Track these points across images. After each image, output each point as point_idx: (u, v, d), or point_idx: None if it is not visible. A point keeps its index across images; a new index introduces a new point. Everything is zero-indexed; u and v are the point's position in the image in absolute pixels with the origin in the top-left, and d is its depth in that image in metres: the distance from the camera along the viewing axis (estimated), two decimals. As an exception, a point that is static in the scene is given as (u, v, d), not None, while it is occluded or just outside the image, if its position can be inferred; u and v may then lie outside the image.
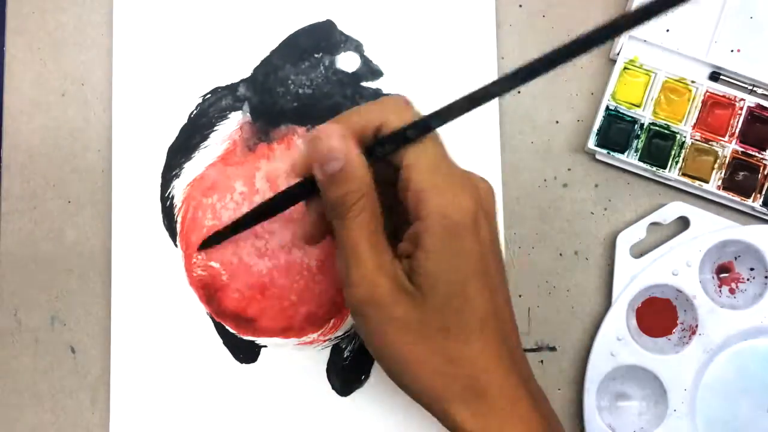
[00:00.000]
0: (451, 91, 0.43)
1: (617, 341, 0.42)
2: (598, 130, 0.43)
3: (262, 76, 0.44)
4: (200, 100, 0.43)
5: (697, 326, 0.42)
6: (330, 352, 0.43)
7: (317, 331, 0.43)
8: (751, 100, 0.42)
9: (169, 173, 0.43)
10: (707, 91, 0.43)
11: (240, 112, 0.43)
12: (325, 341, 0.43)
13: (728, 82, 0.43)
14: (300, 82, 0.44)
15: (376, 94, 0.43)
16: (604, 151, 0.43)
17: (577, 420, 0.43)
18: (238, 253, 0.43)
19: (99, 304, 0.43)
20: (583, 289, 0.44)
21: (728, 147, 0.42)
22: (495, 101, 0.43)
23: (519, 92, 0.44)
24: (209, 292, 0.43)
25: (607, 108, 0.43)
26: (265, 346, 0.43)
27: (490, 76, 0.43)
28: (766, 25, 0.42)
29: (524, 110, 0.44)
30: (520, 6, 0.45)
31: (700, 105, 0.43)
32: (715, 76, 0.43)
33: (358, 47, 0.44)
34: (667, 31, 0.43)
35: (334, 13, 0.44)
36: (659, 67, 0.43)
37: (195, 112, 0.43)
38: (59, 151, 0.44)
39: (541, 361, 0.43)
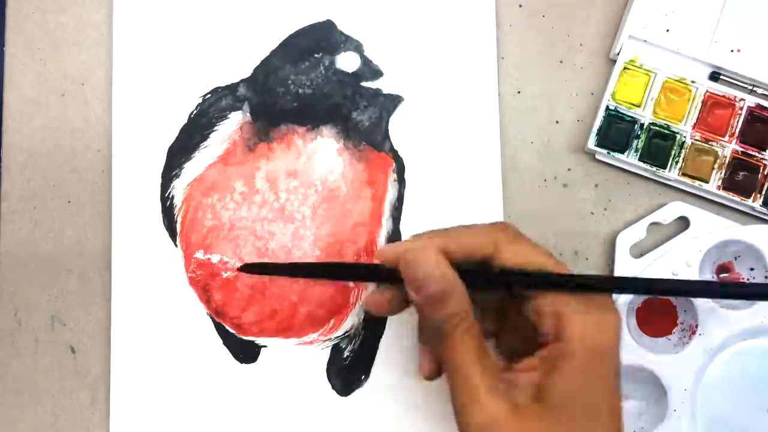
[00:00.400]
0: (451, 91, 0.44)
1: (617, 341, 0.42)
2: (598, 130, 0.43)
3: (262, 76, 0.44)
4: (200, 100, 0.43)
5: (697, 326, 0.42)
6: (330, 352, 0.43)
7: (317, 331, 0.43)
8: (751, 100, 0.42)
9: (169, 173, 0.43)
10: (707, 91, 0.43)
11: (240, 112, 0.43)
12: (325, 341, 0.43)
13: (728, 82, 0.43)
14: (300, 82, 0.44)
15: (376, 94, 0.43)
16: (604, 151, 0.43)
17: (577, 420, 0.43)
18: (238, 253, 0.43)
19: (99, 304, 0.43)
20: (583, 289, 0.44)
21: (728, 147, 0.42)
22: (495, 101, 0.43)
23: (519, 92, 0.44)
24: (209, 292, 0.43)
25: (607, 108, 0.43)
26: (265, 346, 0.43)
27: (490, 76, 0.43)
28: (766, 25, 0.42)
29: (524, 110, 0.44)
30: (520, 6, 0.45)
31: (700, 105, 0.43)
32: (715, 76, 0.43)
33: (358, 47, 0.44)
34: (667, 31, 0.43)
35: (334, 13, 0.44)
36: (659, 67, 0.43)
37: (195, 112, 0.43)
38: (59, 151, 0.44)
39: (541, 361, 0.43)
